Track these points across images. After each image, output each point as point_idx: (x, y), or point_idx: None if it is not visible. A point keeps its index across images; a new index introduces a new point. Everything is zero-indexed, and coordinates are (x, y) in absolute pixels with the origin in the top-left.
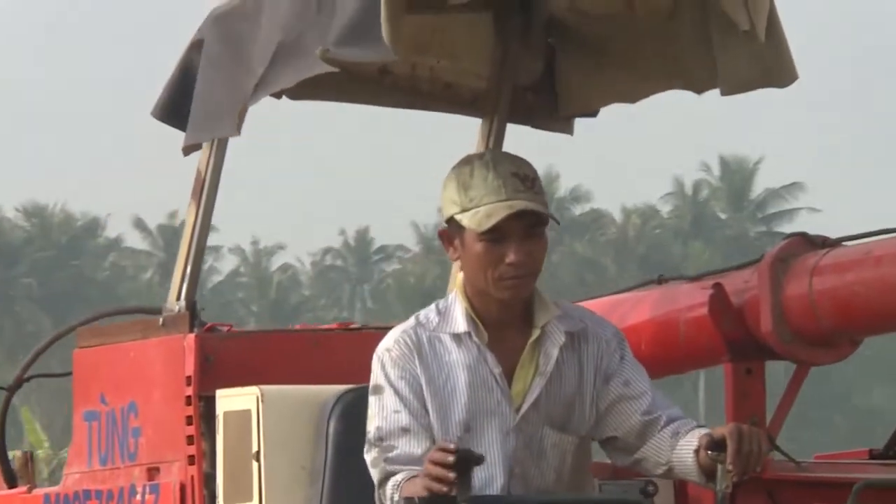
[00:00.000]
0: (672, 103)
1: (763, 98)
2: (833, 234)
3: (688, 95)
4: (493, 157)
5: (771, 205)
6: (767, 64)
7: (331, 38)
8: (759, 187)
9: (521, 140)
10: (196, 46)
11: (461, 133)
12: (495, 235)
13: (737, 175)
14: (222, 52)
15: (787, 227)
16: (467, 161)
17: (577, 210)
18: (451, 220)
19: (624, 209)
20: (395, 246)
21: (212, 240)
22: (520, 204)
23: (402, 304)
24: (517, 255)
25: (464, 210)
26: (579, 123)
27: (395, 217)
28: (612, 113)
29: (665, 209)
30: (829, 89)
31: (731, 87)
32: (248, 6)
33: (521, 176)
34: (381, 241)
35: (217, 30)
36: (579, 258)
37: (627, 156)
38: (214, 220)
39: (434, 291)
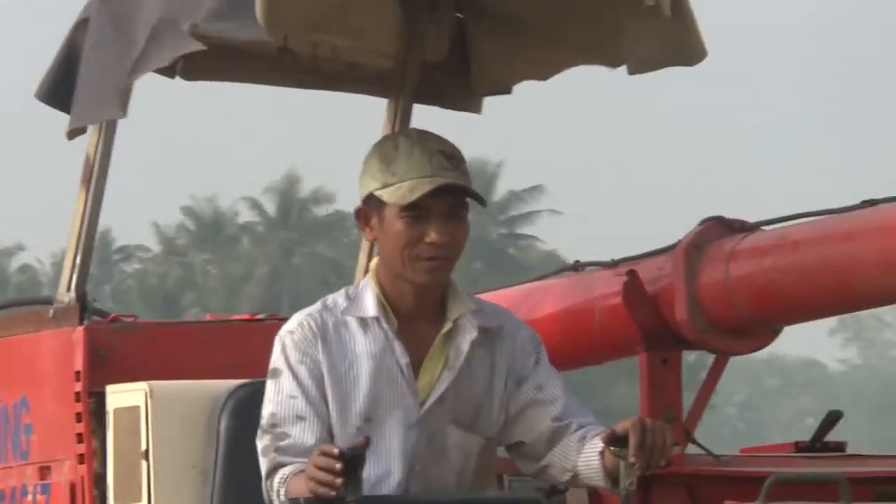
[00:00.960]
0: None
1: (502, 102)
2: (572, 238)
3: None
4: (419, 134)
5: (513, 207)
6: (675, 42)
7: (202, 13)
8: (501, 190)
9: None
10: (81, 26)
11: (213, 133)
12: (417, 212)
13: (478, 178)
14: (107, 32)
15: (529, 229)
16: (391, 137)
17: (321, 212)
18: (369, 198)
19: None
20: (136, 246)
21: None
22: (442, 179)
23: (144, 304)
24: (439, 234)
25: (385, 185)
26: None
27: (137, 217)
28: (354, 117)
29: None
30: (568, 92)
31: (639, 66)
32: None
33: (448, 154)
34: (122, 242)
35: (103, 7)
36: (322, 259)
37: None
38: None
39: (176, 291)
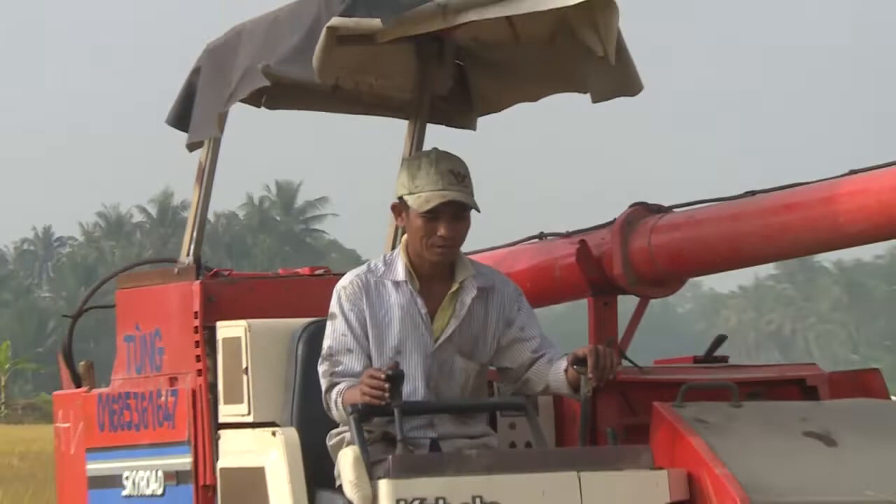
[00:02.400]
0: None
1: (300, 127)
2: (345, 231)
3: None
4: (437, 155)
5: (308, 211)
6: (620, 79)
7: (274, 58)
8: (300, 200)
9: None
10: (196, 72)
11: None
12: (431, 215)
13: (285, 192)
14: (212, 75)
15: (319, 225)
16: (418, 157)
17: (185, 213)
18: (401, 199)
19: (215, 213)
20: (68, 237)
21: None
22: (450, 195)
23: (73, 276)
24: (446, 231)
25: (410, 193)
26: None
27: (69, 216)
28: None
29: (241, 213)
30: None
31: (598, 97)
32: (231, 42)
33: (455, 173)
34: (59, 233)
35: (209, 59)
36: (177, 248)
37: (218, 177)
38: None
39: (94, 267)
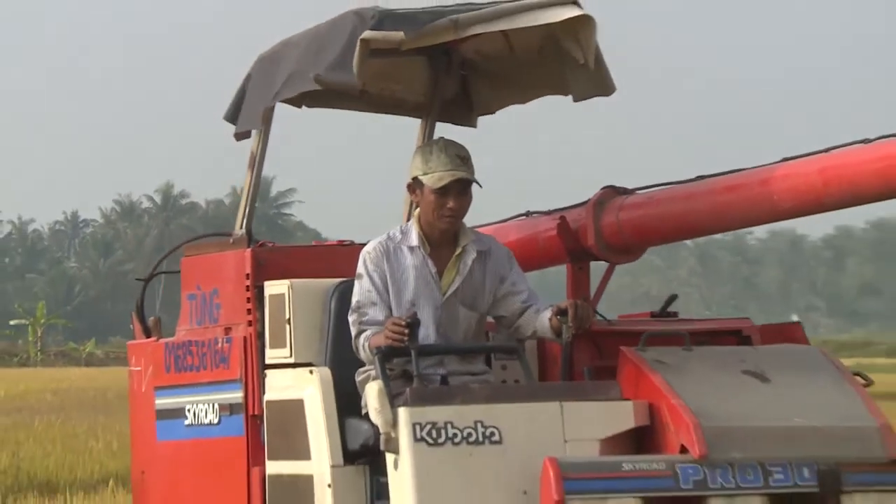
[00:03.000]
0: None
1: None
2: (309, 214)
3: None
4: (445, 143)
5: (279, 199)
6: (597, 82)
7: (321, 67)
8: (274, 190)
9: None
10: (248, 77)
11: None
12: (442, 191)
13: (262, 184)
14: (261, 78)
15: (288, 210)
16: (429, 144)
17: (183, 201)
18: (415, 179)
19: (206, 200)
20: (91, 219)
21: None
22: (458, 174)
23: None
24: (454, 203)
25: (425, 174)
26: None
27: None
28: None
29: (227, 201)
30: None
31: (578, 97)
32: (278, 52)
33: (461, 157)
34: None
35: (260, 65)
36: (178, 229)
37: (209, 172)
38: None
39: None
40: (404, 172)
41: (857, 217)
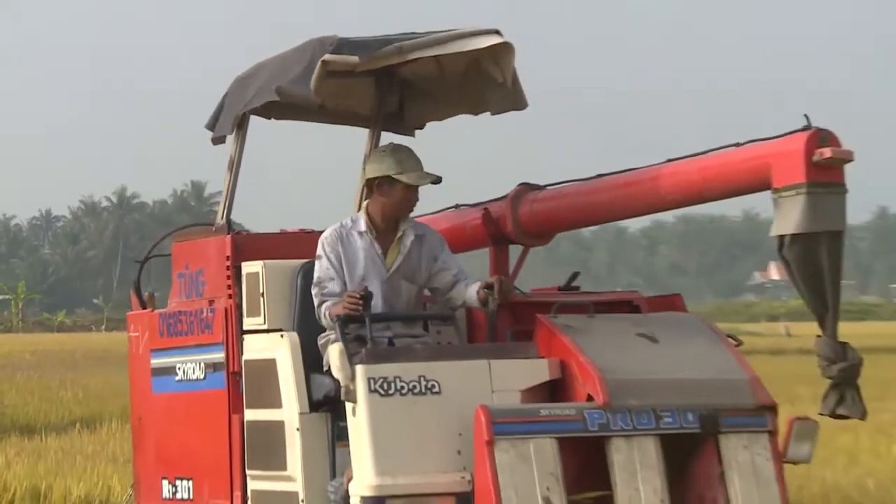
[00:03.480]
0: None
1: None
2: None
3: None
4: (408, 149)
5: (212, 199)
6: (513, 99)
7: (284, 82)
8: (207, 192)
9: None
10: (227, 94)
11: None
12: (414, 188)
13: (198, 187)
14: (236, 94)
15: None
16: (397, 149)
17: (135, 201)
18: (385, 177)
19: (153, 200)
20: (62, 215)
21: None
22: (431, 177)
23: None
24: (414, 197)
25: (399, 173)
26: None
27: None
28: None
29: (170, 201)
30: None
31: (496, 111)
32: (251, 72)
33: (404, 155)
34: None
35: (235, 83)
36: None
37: (157, 175)
38: None
39: None
40: (299, 175)
41: (669, 213)
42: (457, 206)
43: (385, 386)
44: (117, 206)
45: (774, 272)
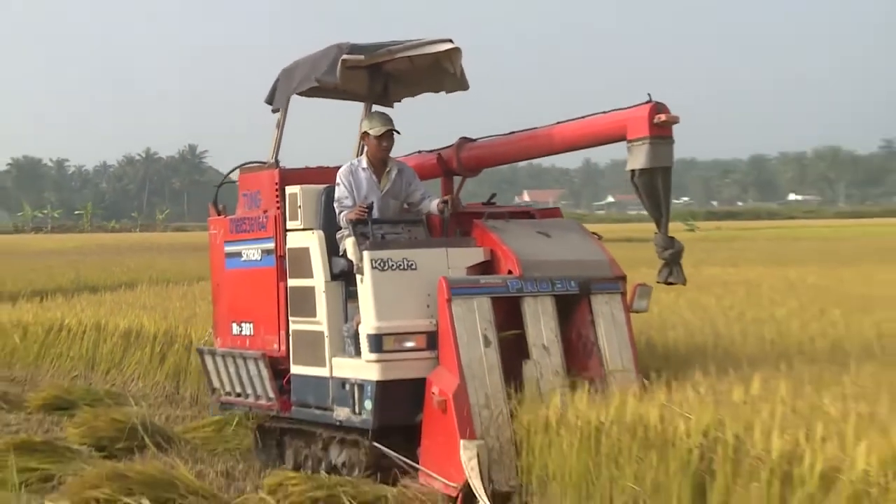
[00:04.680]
0: None
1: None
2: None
3: None
4: (380, 113)
5: (202, 156)
6: (461, 83)
7: (319, 73)
8: (198, 150)
9: None
10: (277, 79)
11: None
12: (379, 138)
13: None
14: (284, 80)
15: (204, 159)
16: (372, 113)
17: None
18: (365, 132)
19: (163, 158)
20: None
21: None
22: (388, 127)
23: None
24: (386, 143)
25: (371, 129)
26: None
27: None
28: None
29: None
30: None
31: (450, 91)
32: (293, 66)
33: (386, 118)
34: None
35: (283, 73)
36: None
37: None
38: None
39: None
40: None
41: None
42: (420, 152)
43: (382, 264)
44: (145, 158)
45: (526, 196)
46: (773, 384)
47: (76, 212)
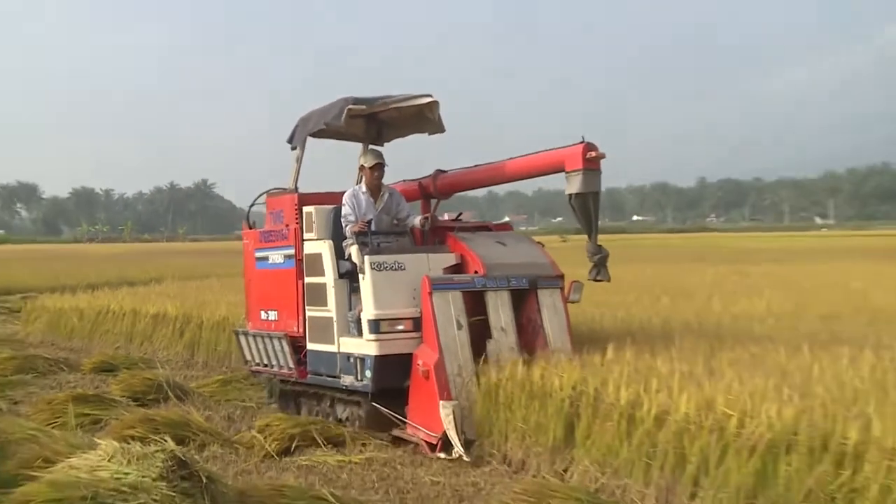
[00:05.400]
0: None
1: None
2: None
3: None
4: (372, 150)
5: (211, 186)
6: (438, 127)
7: (328, 119)
8: (209, 182)
9: None
10: (297, 125)
11: None
12: (372, 169)
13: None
14: (301, 125)
15: (218, 190)
16: (367, 150)
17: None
18: (361, 165)
19: (182, 188)
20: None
21: None
22: (378, 161)
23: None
24: (378, 174)
25: (365, 163)
26: None
27: None
28: None
29: (190, 190)
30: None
31: (431, 133)
32: (309, 115)
33: (379, 155)
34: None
35: (302, 120)
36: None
37: (181, 169)
38: None
39: None
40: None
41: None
42: (404, 180)
43: (378, 266)
44: (169, 188)
45: (506, 217)
46: (621, 352)
47: (119, 227)
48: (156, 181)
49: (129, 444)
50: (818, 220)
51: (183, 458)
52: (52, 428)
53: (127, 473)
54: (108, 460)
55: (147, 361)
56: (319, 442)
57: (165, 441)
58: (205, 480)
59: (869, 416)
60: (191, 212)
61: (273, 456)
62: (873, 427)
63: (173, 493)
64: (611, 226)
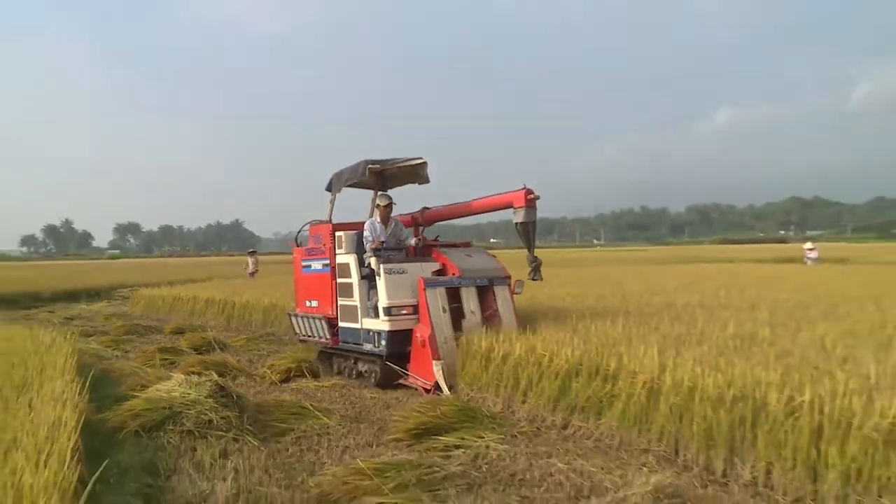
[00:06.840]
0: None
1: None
2: None
3: None
4: (384, 195)
5: (240, 223)
6: (425, 178)
7: (356, 176)
8: (239, 219)
9: None
10: (332, 179)
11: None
12: (383, 207)
13: (237, 222)
14: (336, 179)
15: (246, 225)
16: (378, 194)
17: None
18: (376, 205)
19: (212, 224)
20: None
21: None
22: (387, 201)
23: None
24: (387, 212)
25: (379, 203)
26: None
27: None
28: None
29: (222, 225)
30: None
31: (421, 183)
32: (341, 171)
33: (387, 197)
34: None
35: (335, 175)
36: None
37: (224, 208)
38: None
39: None
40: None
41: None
42: (402, 214)
43: (389, 271)
44: (215, 225)
45: (492, 240)
46: (567, 326)
47: (186, 248)
48: (208, 219)
49: (190, 376)
50: (595, 242)
51: (222, 385)
52: (147, 366)
53: (189, 393)
54: (179, 386)
55: (202, 328)
56: (305, 374)
57: (212, 374)
58: (235, 397)
59: (621, 354)
60: (228, 240)
61: (276, 383)
62: (623, 359)
63: (217, 405)
64: (562, 244)
